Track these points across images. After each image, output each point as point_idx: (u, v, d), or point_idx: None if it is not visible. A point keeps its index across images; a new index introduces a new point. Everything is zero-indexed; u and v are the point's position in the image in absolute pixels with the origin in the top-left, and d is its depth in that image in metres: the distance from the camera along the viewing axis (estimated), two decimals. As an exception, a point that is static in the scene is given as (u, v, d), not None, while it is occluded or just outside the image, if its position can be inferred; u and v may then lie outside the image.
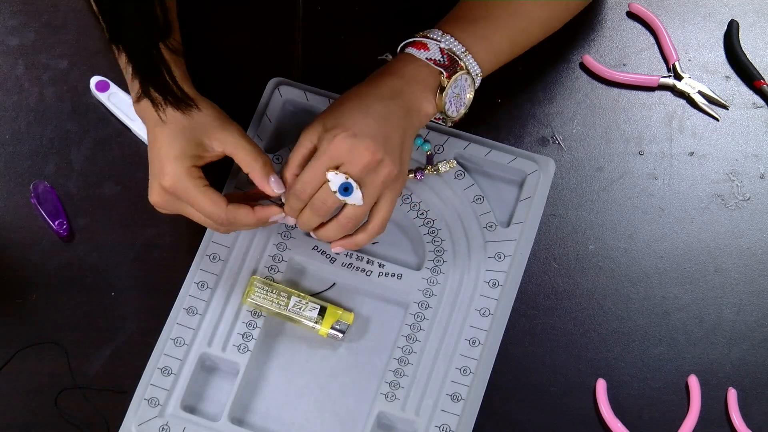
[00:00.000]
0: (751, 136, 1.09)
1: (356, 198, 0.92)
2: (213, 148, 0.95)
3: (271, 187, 0.94)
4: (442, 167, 1.03)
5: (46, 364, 0.99)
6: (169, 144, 0.94)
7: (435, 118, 0.99)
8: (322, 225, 0.95)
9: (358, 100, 0.94)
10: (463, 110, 0.99)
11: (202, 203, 0.93)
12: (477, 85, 0.99)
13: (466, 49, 0.97)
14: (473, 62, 0.98)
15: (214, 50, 1.11)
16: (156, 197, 0.95)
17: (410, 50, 0.97)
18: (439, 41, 0.97)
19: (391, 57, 1.01)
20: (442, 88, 0.96)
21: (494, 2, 1.00)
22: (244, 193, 0.99)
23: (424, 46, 0.97)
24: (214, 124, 0.95)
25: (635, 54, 1.12)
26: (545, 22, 1.04)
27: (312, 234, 0.96)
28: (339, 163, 0.91)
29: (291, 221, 0.96)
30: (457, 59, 0.97)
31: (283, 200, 0.95)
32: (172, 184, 0.93)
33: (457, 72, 0.96)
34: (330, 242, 0.97)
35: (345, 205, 0.93)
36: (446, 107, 0.97)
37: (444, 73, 0.96)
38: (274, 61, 1.10)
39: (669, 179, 1.07)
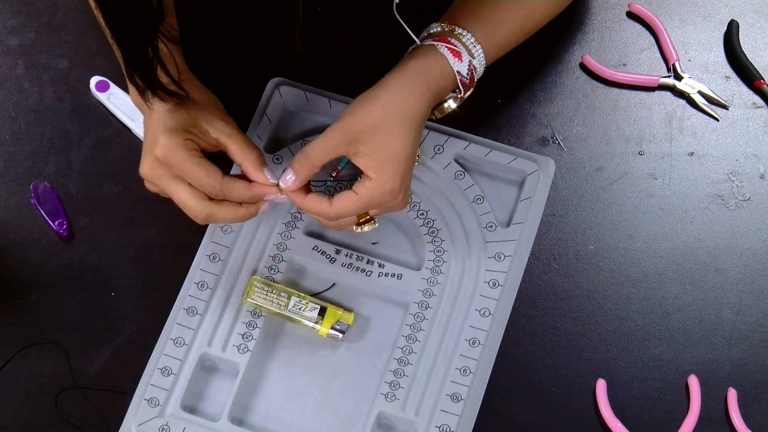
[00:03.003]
0: (751, 136, 1.09)
1: (367, 228, 0.95)
2: (207, 133, 0.93)
3: (266, 175, 0.93)
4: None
5: (46, 364, 0.99)
6: (164, 117, 0.92)
7: None
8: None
9: (407, 132, 0.91)
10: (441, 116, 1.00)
11: (197, 174, 0.90)
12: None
13: (485, 62, 0.98)
14: (480, 74, 0.98)
15: (214, 50, 1.11)
16: (147, 168, 0.92)
17: (446, 53, 0.95)
18: (472, 56, 0.96)
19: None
20: (452, 103, 0.98)
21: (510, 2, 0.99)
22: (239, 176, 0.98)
23: (458, 54, 0.95)
24: (212, 110, 0.95)
25: (635, 54, 1.12)
26: (544, 21, 1.04)
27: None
28: (378, 206, 0.93)
29: (283, 199, 0.94)
30: (475, 77, 0.97)
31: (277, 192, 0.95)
32: (164, 153, 0.90)
33: (468, 92, 0.98)
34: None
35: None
36: (436, 116, 0.99)
37: (461, 92, 0.97)
38: (274, 61, 1.10)
39: (669, 179, 1.07)
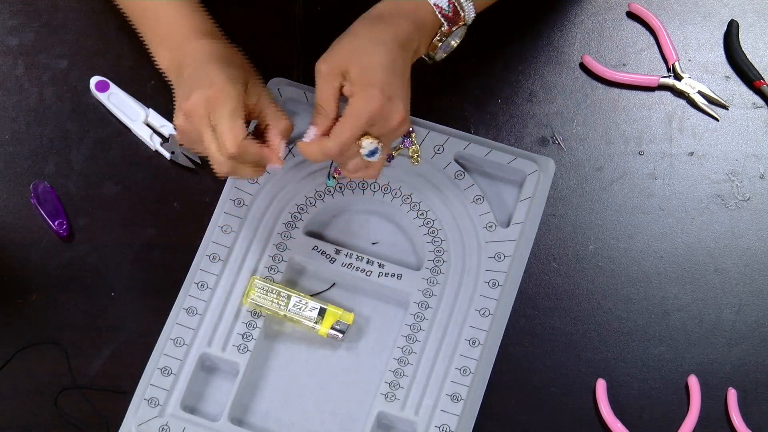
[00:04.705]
0: (751, 136, 1.09)
1: (378, 158, 0.93)
2: (251, 94, 0.94)
3: (280, 149, 0.94)
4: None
5: (46, 364, 0.99)
6: (222, 63, 0.93)
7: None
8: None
9: (382, 50, 0.92)
10: (445, 54, 1.00)
11: (233, 128, 0.91)
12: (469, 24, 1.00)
13: None
14: (472, 11, 0.97)
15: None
16: (192, 105, 0.92)
17: None
18: None
19: None
20: (439, 38, 0.97)
21: None
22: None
23: None
24: (255, 75, 0.96)
25: (635, 54, 1.12)
26: None
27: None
28: (371, 124, 0.92)
29: (278, 169, 0.96)
30: (460, 10, 0.96)
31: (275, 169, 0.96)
32: (217, 96, 0.91)
33: (457, 25, 0.97)
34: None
35: None
36: (437, 54, 0.99)
37: (445, 26, 0.96)
38: (274, 61, 1.10)
39: (669, 179, 1.07)
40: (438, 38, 0.97)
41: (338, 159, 0.94)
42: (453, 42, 0.99)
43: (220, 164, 0.93)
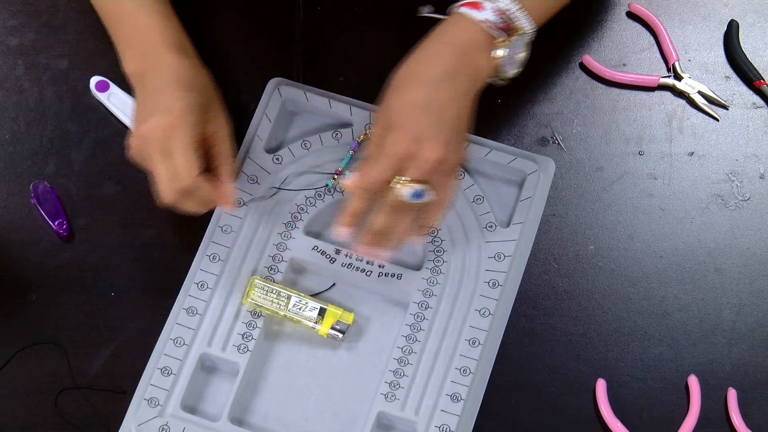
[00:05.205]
0: (751, 136, 1.09)
1: (430, 196, 0.91)
2: (208, 124, 0.94)
3: (233, 192, 0.95)
4: None
5: (46, 364, 0.99)
6: (185, 87, 0.93)
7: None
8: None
9: (417, 89, 0.90)
10: (516, 70, 0.97)
11: (188, 159, 0.90)
12: (531, 39, 0.96)
13: (521, 6, 0.93)
14: (527, 20, 0.94)
15: (215, 50, 1.11)
16: (149, 129, 0.91)
17: (464, 9, 0.93)
18: (493, 1, 0.93)
19: (433, 10, 0.97)
20: (500, 54, 0.94)
21: None
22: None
23: (476, 5, 0.92)
24: (217, 101, 0.96)
25: (635, 54, 1.12)
26: None
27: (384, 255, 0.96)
28: (402, 168, 0.89)
29: (229, 210, 0.97)
30: (512, 20, 0.93)
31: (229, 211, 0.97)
32: (175, 124, 0.90)
33: (513, 36, 0.94)
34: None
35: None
36: (502, 70, 0.96)
37: (501, 37, 0.93)
38: (274, 61, 1.10)
39: (669, 179, 1.07)
40: (499, 54, 0.94)
41: (372, 201, 0.91)
42: (521, 55, 0.96)
43: (166, 193, 0.93)
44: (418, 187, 0.89)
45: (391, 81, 0.93)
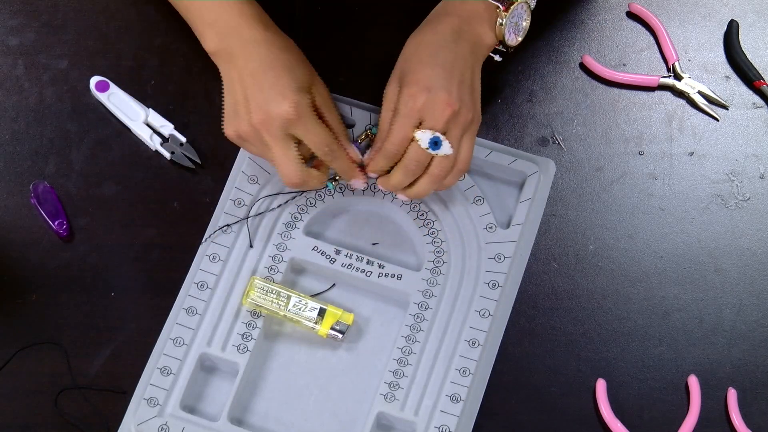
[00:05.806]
0: (751, 136, 1.09)
1: (446, 148, 0.94)
2: (314, 96, 0.95)
3: (355, 150, 0.97)
4: None
5: (46, 364, 0.99)
6: (288, 77, 0.93)
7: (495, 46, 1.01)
8: (411, 184, 0.96)
9: (424, 50, 0.95)
10: (520, 37, 1.01)
11: (321, 133, 0.93)
12: (533, 7, 1.00)
13: None
14: None
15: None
16: (268, 119, 0.92)
17: None
18: None
19: None
20: (500, 22, 0.97)
21: None
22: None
23: None
24: (311, 69, 0.97)
25: (635, 54, 1.12)
26: None
27: (400, 195, 0.98)
28: (421, 120, 0.93)
29: (361, 185, 0.99)
30: None
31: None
32: (297, 110, 0.91)
33: (513, 3, 0.97)
34: (418, 196, 0.98)
35: (432, 158, 0.94)
36: (505, 37, 0.99)
37: (500, 6, 0.97)
38: (274, 61, 1.10)
39: (669, 179, 1.07)
40: (500, 22, 0.97)
41: (395, 157, 0.95)
42: (523, 23, 1.00)
43: (294, 174, 0.94)
44: (435, 132, 0.93)
45: (401, 53, 0.97)
